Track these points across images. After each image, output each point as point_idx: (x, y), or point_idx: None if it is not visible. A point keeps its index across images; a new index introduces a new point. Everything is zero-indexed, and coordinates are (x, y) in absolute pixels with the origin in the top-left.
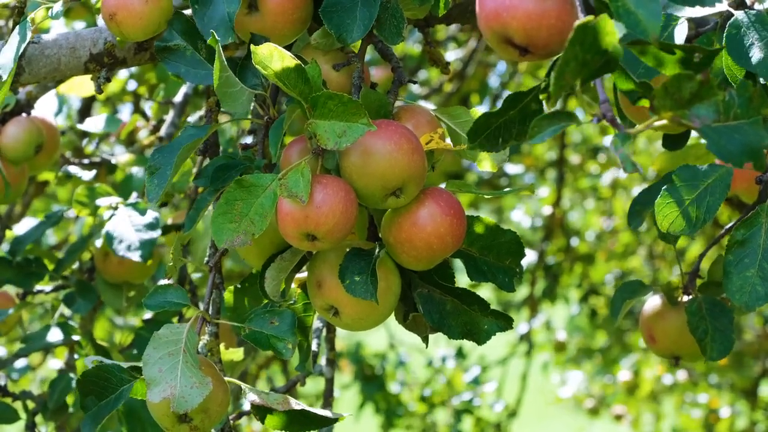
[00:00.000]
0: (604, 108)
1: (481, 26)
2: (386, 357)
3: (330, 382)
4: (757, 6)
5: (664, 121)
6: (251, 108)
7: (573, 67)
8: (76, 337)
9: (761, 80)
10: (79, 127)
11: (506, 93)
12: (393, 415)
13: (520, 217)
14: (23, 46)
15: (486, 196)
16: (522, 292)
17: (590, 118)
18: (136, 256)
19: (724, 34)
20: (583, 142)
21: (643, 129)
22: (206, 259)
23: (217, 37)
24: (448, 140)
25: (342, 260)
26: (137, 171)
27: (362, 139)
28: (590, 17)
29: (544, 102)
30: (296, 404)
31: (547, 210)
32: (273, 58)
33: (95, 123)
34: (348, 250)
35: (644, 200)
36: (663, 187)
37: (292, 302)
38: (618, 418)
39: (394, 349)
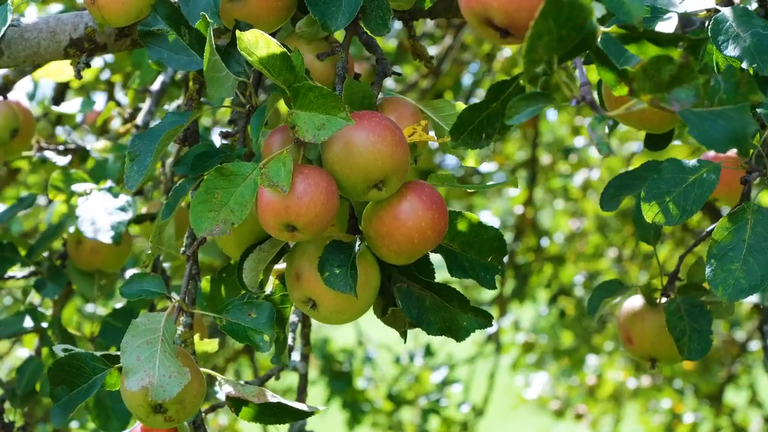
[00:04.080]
0: (584, 90)
1: (462, 8)
2: (354, 353)
3: (304, 378)
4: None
5: (643, 105)
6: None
7: (547, 41)
8: (45, 325)
9: (744, 65)
10: (55, 108)
11: (479, 91)
12: (359, 411)
13: (489, 218)
14: (3, 29)
15: (469, 191)
16: (491, 291)
17: (569, 100)
18: (106, 238)
19: (709, 27)
20: (555, 142)
21: (621, 112)
22: (184, 249)
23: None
24: (432, 133)
25: (321, 252)
26: (111, 158)
27: (345, 130)
28: None
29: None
30: (272, 396)
31: (519, 209)
32: (258, 44)
33: (70, 105)
34: (328, 242)
35: (620, 184)
36: (650, 179)
37: (270, 293)
38: (579, 417)
39: (362, 346)
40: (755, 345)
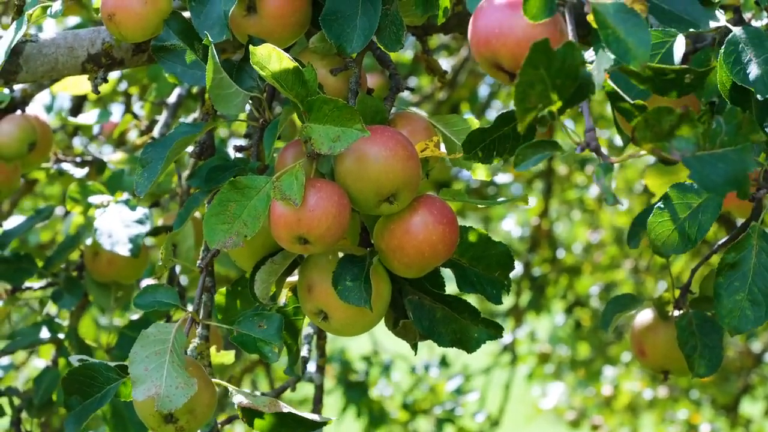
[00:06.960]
0: (589, 137)
1: (473, 51)
2: (371, 364)
3: (319, 389)
4: (754, 23)
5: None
6: (247, 111)
7: (540, 90)
8: (61, 335)
9: (759, 97)
10: (71, 119)
11: (495, 102)
12: (375, 420)
13: (511, 227)
14: (15, 40)
15: (479, 206)
16: (507, 302)
17: (574, 146)
18: (124, 251)
19: (721, 51)
20: (571, 153)
21: (624, 159)
22: (198, 261)
23: (210, 37)
24: (443, 148)
25: (334, 265)
26: (128, 170)
27: (357, 144)
28: (545, 38)
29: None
30: (284, 407)
31: (534, 221)
32: (271, 59)
33: (88, 117)
34: (341, 255)
35: (643, 221)
36: (656, 206)
37: (282, 305)
38: (595, 428)
39: (378, 355)
40: None
